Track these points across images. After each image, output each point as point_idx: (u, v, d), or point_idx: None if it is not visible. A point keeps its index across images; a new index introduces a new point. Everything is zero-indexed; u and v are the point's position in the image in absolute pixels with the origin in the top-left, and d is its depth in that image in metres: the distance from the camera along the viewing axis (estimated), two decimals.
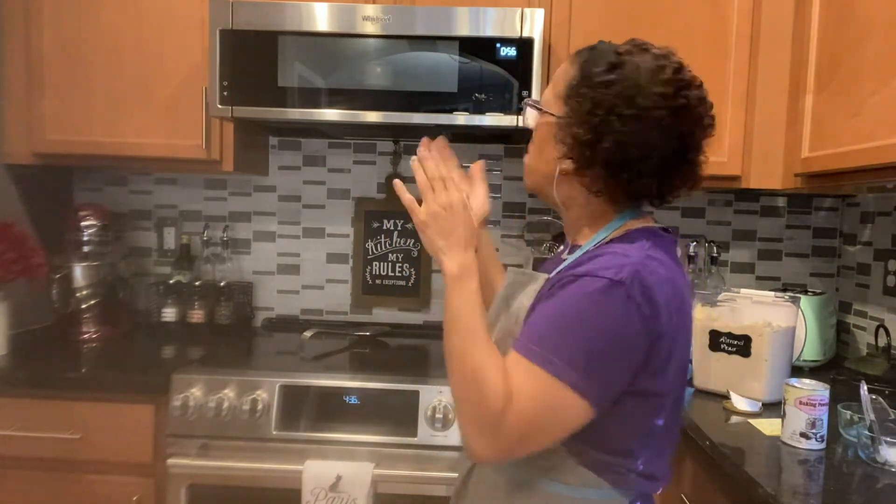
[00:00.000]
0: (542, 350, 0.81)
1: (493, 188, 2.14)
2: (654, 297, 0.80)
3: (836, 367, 1.78)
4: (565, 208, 0.98)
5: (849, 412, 1.24)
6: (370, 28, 1.60)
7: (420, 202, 0.94)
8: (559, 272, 0.89)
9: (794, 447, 1.19)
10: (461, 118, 1.60)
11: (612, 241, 0.91)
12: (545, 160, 0.95)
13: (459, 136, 1.94)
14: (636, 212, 0.95)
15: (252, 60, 1.62)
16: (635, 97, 0.85)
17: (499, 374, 0.81)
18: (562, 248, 1.04)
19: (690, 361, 1.63)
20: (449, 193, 0.92)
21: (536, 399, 0.80)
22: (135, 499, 1.53)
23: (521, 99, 1.57)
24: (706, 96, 0.91)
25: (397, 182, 0.97)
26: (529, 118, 0.98)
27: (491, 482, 0.94)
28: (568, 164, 0.91)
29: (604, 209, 0.94)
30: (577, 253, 0.92)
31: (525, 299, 0.92)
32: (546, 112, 0.94)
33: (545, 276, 0.93)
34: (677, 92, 0.87)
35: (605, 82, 0.87)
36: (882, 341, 1.71)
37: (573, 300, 0.82)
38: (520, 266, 1.05)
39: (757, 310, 1.49)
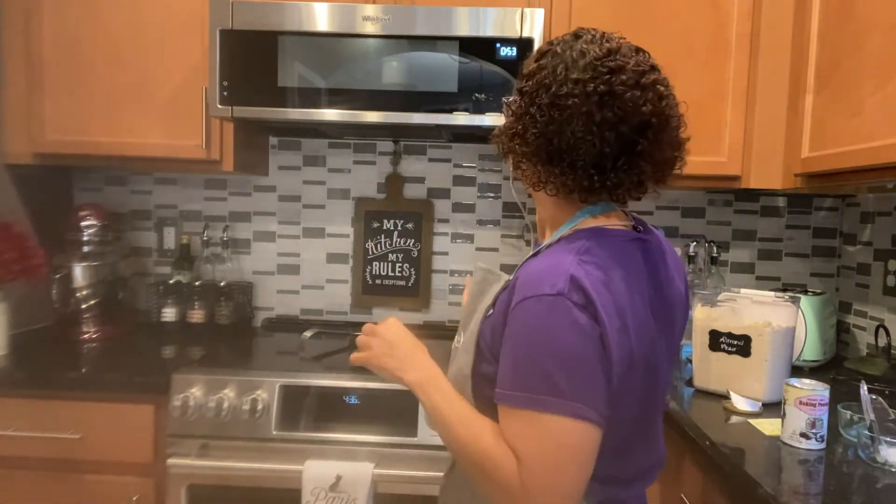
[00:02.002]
0: (523, 393, 0.77)
1: (493, 188, 2.14)
2: (592, 298, 0.76)
3: (836, 367, 1.78)
4: (537, 209, 0.99)
5: (849, 412, 1.24)
6: (370, 28, 1.60)
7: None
8: (516, 274, 0.86)
9: (794, 447, 1.19)
10: (461, 118, 1.60)
11: (560, 240, 0.87)
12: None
13: (459, 136, 1.94)
14: (601, 208, 0.89)
15: (252, 60, 1.62)
16: (551, 85, 0.82)
17: (498, 444, 0.79)
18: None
19: (688, 360, 1.64)
20: (372, 329, 1.01)
21: (543, 442, 0.76)
22: (135, 499, 1.53)
23: None
24: (651, 83, 0.83)
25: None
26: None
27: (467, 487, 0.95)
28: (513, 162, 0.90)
29: (563, 209, 0.91)
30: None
31: (487, 299, 0.91)
32: (502, 112, 0.91)
33: (507, 277, 0.90)
34: (596, 77, 0.80)
35: (530, 73, 0.87)
36: (882, 341, 1.71)
37: (525, 332, 0.78)
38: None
39: (757, 310, 1.49)
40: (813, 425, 1.17)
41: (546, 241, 0.91)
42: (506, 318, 0.81)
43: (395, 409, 1.51)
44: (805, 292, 1.83)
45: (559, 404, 0.75)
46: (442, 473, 1.44)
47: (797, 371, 1.69)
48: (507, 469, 0.77)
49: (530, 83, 0.85)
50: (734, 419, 1.36)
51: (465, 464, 0.84)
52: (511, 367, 0.79)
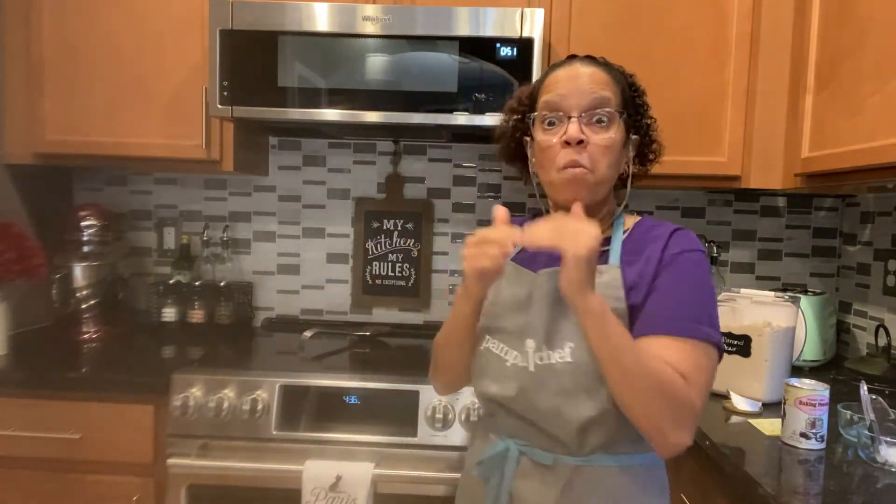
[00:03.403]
0: (694, 325, 0.92)
1: (493, 188, 2.14)
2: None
3: (836, 367, 1.78)
4: (598, 210, 1.05)
5: (849, 412, 1.24)
6: (370, 28, 1.60)
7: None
8: (631, 258, 1.01)
9: (794, 447, 1.19)
10: (461, 118, 1.60)
11: (637, 225, 1.06)
12: (618, 166, 1.03)
13: (459, 136, 1.94)
14: None
15: (252, 60, 1.62)
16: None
17: (669, 368, 0.88)
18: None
19: None
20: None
21: (705, 369, 0.91)
22: (135, 499, 1.53)
23: None
24: None
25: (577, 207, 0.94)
26: (612, 130, 1.00)
27: (607, 478, 0.98)
28: (630, 165, 1.06)
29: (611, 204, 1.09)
30: (617, 243, 1.03)
31: (615, 292, 0.97)
32: (623, 114, 1.02)
33: (613, 266, 1.00)
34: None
35: (643, 90, 1.08)
36: (882, 341, 1.71)
37: (694, 275, 0.96)
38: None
39: (757, 310, 1.49)
40: (813, 425, 1.17)
41: (617, 231, 1.05)
42: (649, 265, 0.98)
43: (395, 409, 1.51)
44: (805, 292, 1.83)
45: (716, 337, 0.93)
46: (441, 474, 1.44)
47: (797, 371, 1.69)
48: (682, 386, 0.88)
49: (645, 98, 1.09)
50: (734, 419, 1.36)
51: (643, 388, 0.87)
52: (685, 303, 0.94)
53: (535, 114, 1.03)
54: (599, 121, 0.99)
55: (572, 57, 1.06)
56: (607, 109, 0.99)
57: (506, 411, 1.03)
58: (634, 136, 1.06)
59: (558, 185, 1.00)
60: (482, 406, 1.10)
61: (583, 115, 0.98)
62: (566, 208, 1.00)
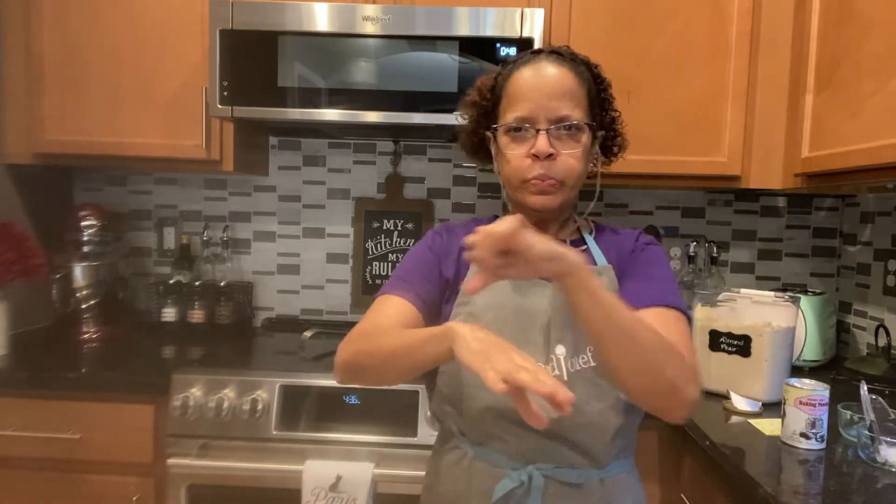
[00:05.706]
0: (672, 297, 0.96)
1: (493, 188, 2.14)
2: None
3: (836, 367, 1.78)
4: (562, 211, 1.05)
5: (849, 412, 1.24)
6: (370, 28, 1.60)
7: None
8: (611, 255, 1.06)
9: (794, 447, 1.19)
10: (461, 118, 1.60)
11: (597, 229, 1.10)
12: (587, 167, 1.02)
13: None
14: None
15: (252, 60, 1.62)
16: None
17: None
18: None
19: None
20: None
21: (687, 333, 0.94)
22: (135, 499, 1.53)
23: None
24: None
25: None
26: (582, 140, 0.98)
27: (624, 485, 1.01)
28: (598, 161, 1.07)
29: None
30: (592, 243, 1.06)
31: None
32: (592, 125, 1.01)
33: (605, 266, 1.03)
34: None
35: (608, 82, 1.05)
36: (882, 341, 1.71)
37: (663, 261, 1.03)
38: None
39: (757, 310, 1.49)
40: (813, 425, 1.17)
41: (585, 231, 1.09)
42: (625, 260, 1.04)
43: (395, 410, 1.51)
44: (805, 292, 1.83)
45: (685, 308, 0.98)
46: None
47: (797, 371, 1.69)
48: (676, 346, 0.87)
49: (610, 92, 1.07)
50: (734, 419, 1.36)
51: (648, 346, 0.82)
52: (666, 283, 0.99)
53: (500, 125, 1.00)
54: (568, 129, 0.96)
55: (538, 52, 1.03)
56: (576, 122, 0.96)
57: (521, 432, 0.95)
58: (600, 132, 1.04)
59: (526, 195, 0.99)
60: (476, 428, 0.99)
61: (551, 128, 0.96)
62: (532, 209, 1.00)
